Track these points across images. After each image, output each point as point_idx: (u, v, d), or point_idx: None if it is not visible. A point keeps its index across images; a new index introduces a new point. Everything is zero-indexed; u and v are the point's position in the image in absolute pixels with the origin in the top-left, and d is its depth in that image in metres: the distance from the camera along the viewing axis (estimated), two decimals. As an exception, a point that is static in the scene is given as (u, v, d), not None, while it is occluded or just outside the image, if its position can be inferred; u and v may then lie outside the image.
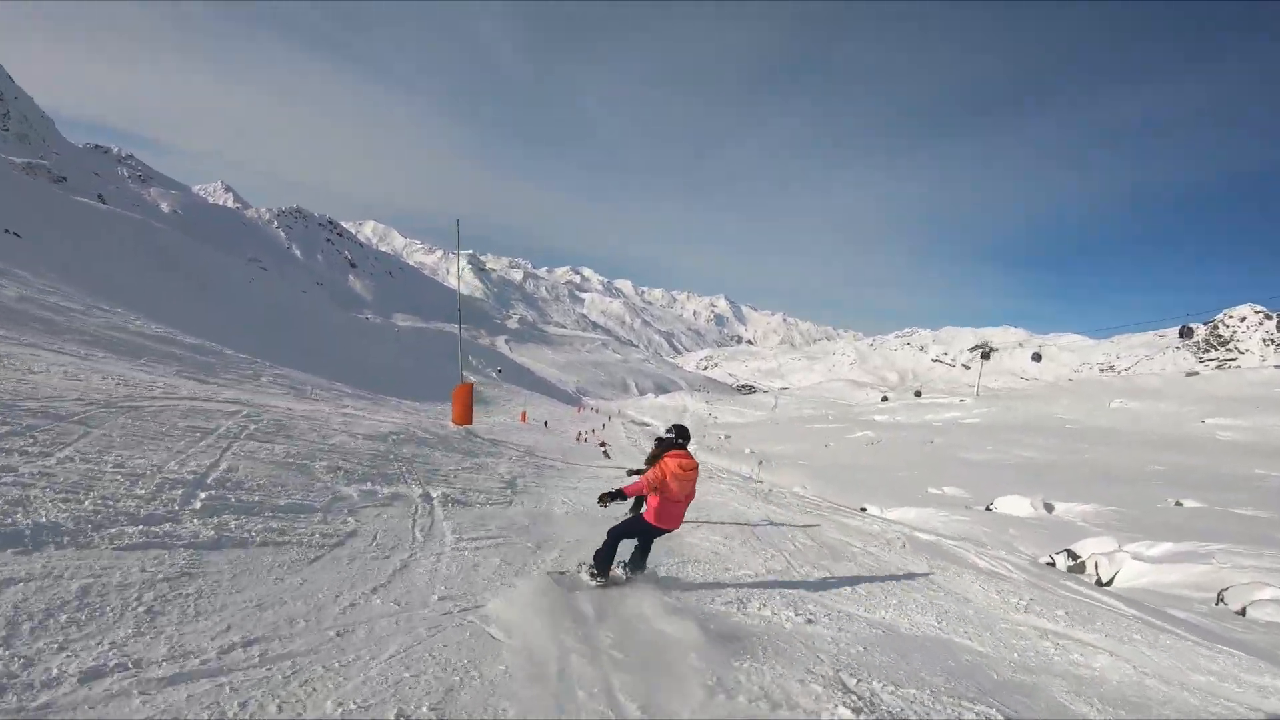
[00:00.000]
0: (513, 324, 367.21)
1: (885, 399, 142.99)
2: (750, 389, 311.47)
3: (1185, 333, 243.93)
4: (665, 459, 6.28)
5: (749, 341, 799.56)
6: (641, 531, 6.47)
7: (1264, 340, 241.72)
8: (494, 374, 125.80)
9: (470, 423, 20.29)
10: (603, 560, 6.23)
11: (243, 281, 69.00)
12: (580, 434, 46.35)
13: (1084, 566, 14.96)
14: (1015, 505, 24.81)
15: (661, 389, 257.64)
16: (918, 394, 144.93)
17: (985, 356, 78.00)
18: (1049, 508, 24.86)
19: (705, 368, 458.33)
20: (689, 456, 6.37)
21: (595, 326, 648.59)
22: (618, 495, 6.10)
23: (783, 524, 12.59)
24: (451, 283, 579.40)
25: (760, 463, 48.93)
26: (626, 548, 6.55)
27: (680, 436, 6.52)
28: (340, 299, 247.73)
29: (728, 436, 76.37)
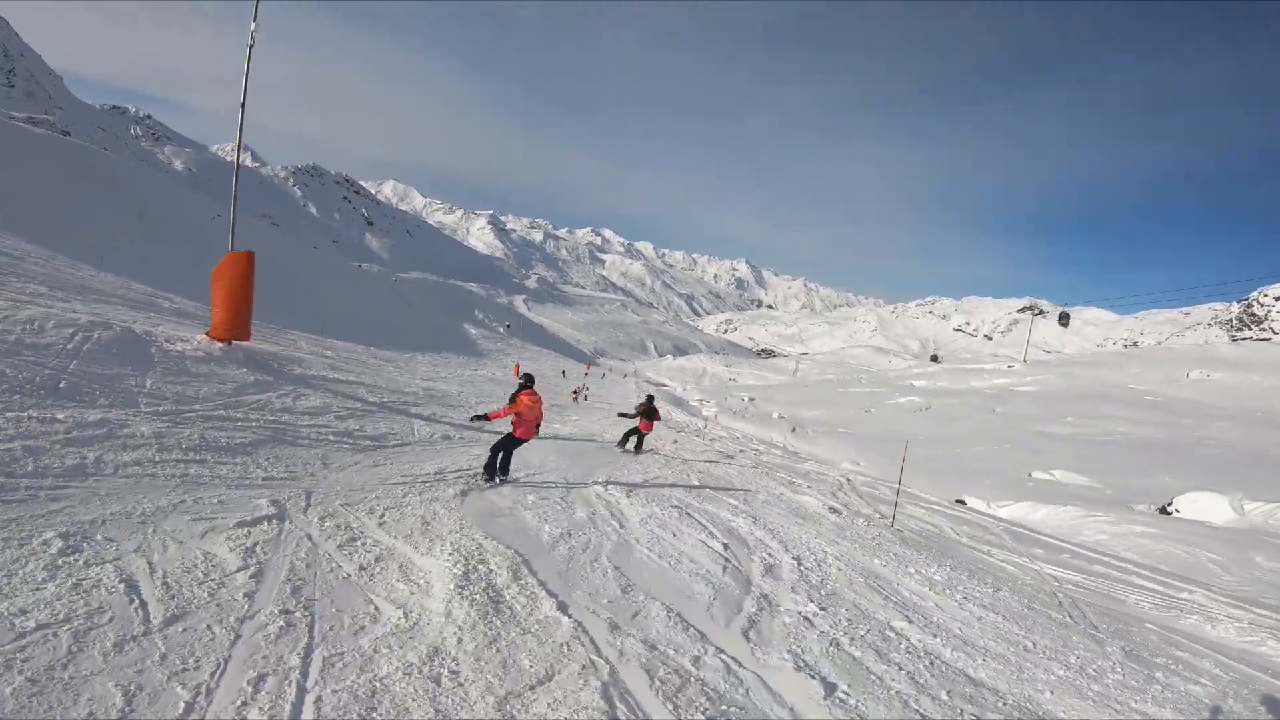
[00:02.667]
0: (531, 284, 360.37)
1: (935, 358, 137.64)
2: (770, 353, 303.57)
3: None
4: (520, 396, 9.75)
5: (769, 306, 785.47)
6: (507, 444, 9.70)
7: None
8: (502, 329, 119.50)
9: (247, 337, 11.87)
10: (490, 469, 9.48)
11: (203, 220, 61.90)
12: (575, 391, 40.14)
13: None
14: (1208, 507, 16.85)
15: (680, 351, 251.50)
16: (934, 359, 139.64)
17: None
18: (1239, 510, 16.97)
19: (725, 331, 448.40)
20: (535, 394, 9.94)
21: (615, 288, 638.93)
22: (483, 417, 10.10)
23: None
24: (471, 242, 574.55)
25: (793, 429, 41.52)
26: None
27: (529, 381, 10.26)
28: (355, 257, 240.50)
29: (752, 399, 68.86)
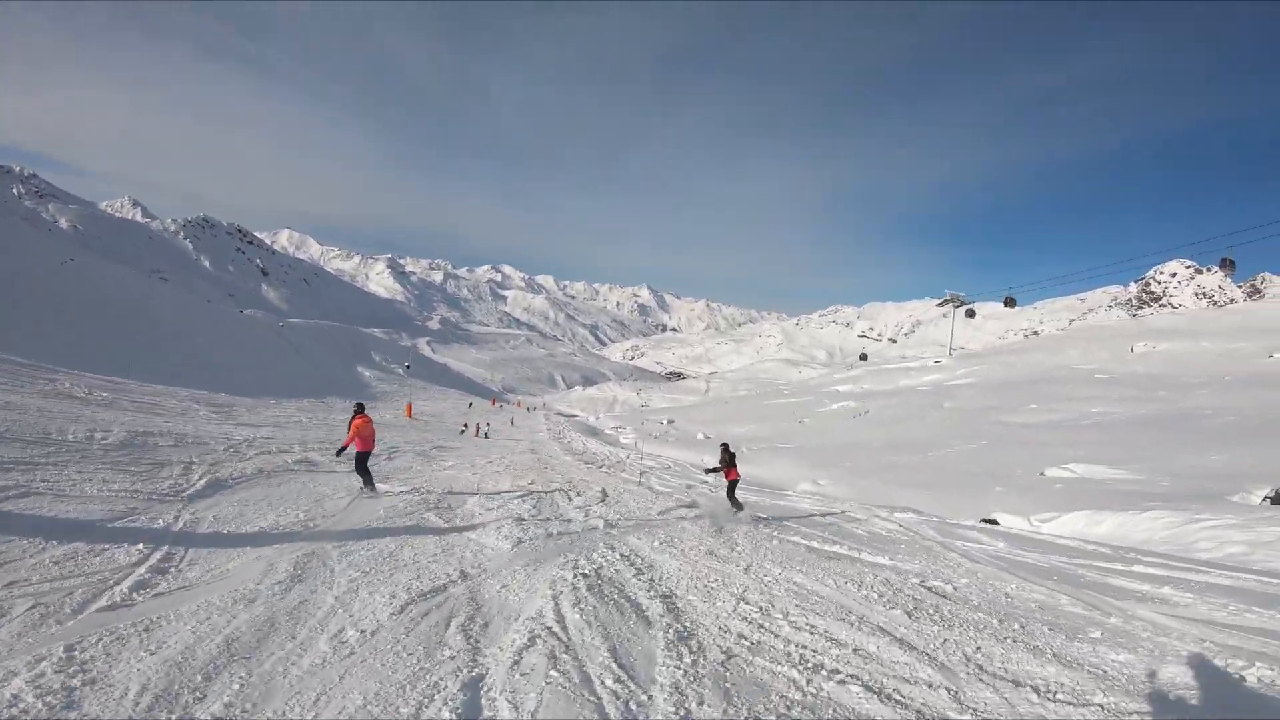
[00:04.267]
0: (434, 325, 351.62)
1: (864, 356, 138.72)
2: (679, 376, 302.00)
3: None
4: (355, 420, 12.52)
5: (674, 329, 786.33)
6: (361, 459, 12.38)
7: (1195, 294, 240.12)
8: (401, 370, 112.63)
9: None
10: (368, 482, 12.27)
11: (52, 266, 54.64)
12: (478, 426, 39.73)
13: None
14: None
15: (589, 381, 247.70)
16: (863, 357, 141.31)
17: (970, 315, 66.38)
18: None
19: (632, 358, 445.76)
20: (365, 416, 12.79)
21: (519, 323, 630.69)
22: (343, 449, 12.61)
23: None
24: (372, 287, 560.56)
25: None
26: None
27: (360, 408, 13.32)
28: (251, 308, 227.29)
29: (671, 421, 64.27)
